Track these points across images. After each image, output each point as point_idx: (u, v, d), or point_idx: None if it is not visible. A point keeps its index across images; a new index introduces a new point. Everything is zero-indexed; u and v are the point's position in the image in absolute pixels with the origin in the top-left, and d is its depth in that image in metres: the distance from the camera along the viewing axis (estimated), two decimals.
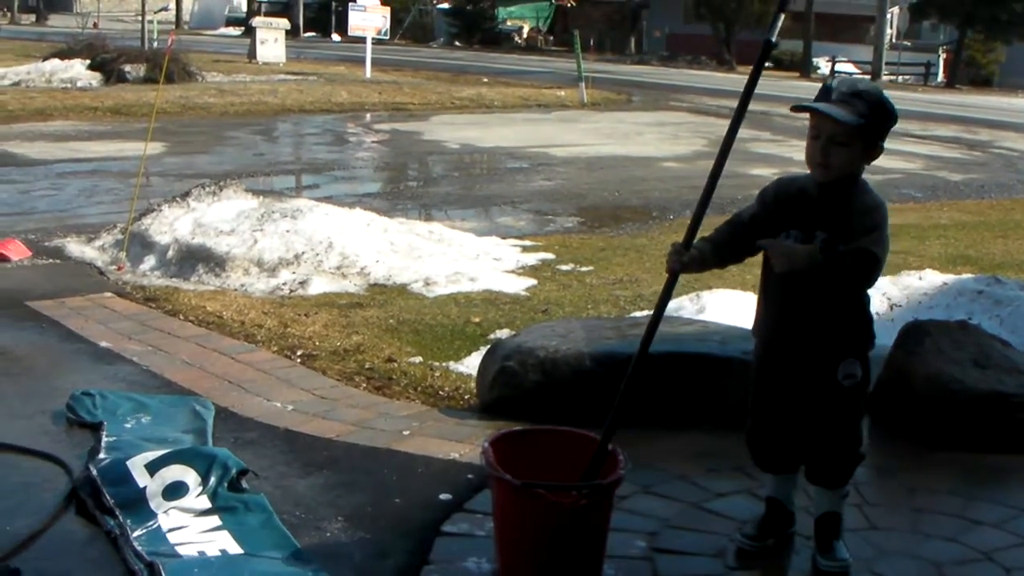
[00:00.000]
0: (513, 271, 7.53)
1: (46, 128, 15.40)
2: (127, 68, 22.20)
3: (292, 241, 7.29)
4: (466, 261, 7.61)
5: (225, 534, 3.38)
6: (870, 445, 3.43)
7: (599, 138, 17.19)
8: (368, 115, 19.85)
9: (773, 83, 29.70)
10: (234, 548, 3.30)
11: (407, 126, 18.14)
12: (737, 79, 35.59)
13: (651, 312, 3.23)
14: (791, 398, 3.22)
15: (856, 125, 2.99)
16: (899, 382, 4.36)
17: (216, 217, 7.69)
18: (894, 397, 4.31)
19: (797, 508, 3.42)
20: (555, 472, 3.13)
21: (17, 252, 7.23)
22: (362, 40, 28.04)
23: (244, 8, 55.87)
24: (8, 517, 3.42)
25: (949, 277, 6.37)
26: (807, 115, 3.09)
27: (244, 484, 3.66)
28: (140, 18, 29.36)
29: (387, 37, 33.18)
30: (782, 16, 3.14)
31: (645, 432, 4.03)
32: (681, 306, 5.84)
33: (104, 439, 4.02)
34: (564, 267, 7.72)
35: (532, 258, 7.99)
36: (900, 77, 44.53)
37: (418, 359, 5.36)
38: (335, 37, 49.08)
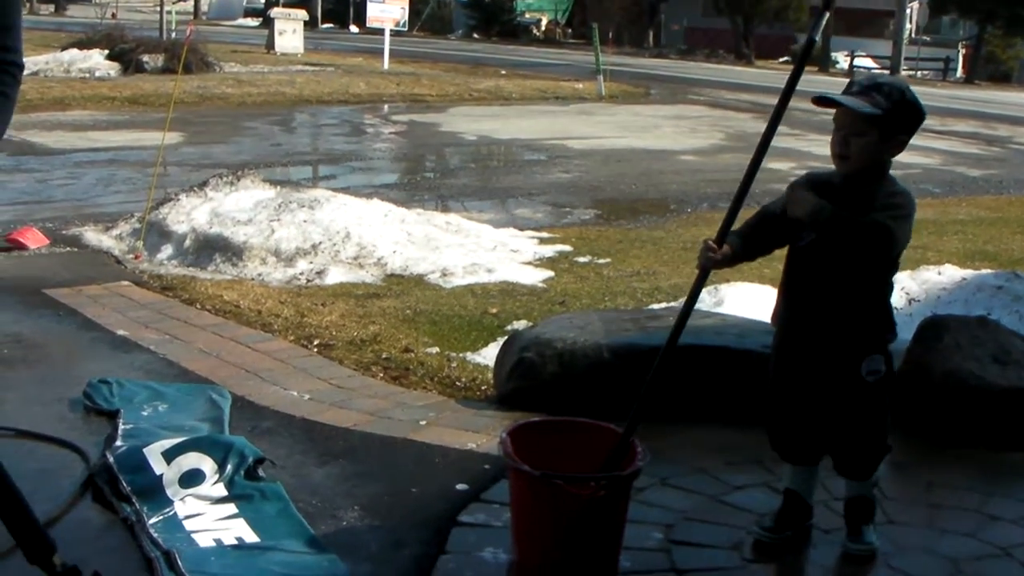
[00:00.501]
0: (530, 263, 7.52)
1: (64, 117, 15.43)
2: (145, 58, 22.23)
3: (309, 231, 7.30)
4: (483, 252, 7.61)
5: (241, 522, 3.39)
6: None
7: (617, 131, 17.13)
8: (386, 106, 19.83)
9: None
10: (250, 536, 3.31)
11: (425, 117, 18.13)
12: (755, 73, 35.56)
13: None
14: (811, 389, 3.21)
15: (871, 115, 3.01)
16: (917, 377, 4.34)
17: (233, 207, 7.71)
18: (912, 392, 4.29)
19: (815, 501, 3.41)
20: (573, 463, 3.13)
21: (35, 240, 7.26)
22: (380, 32, 28.05)
23: None
24: None
25: (968, 272, 6.33)
26: (828, 110, 3.12)
27: (260, 472, 3.67)
28: (159, 8, 29.39)
29: (405, 29, 33.19)
30: (827, 15, 3.17)
31: (662, 424, 4.01)
32: (699, 299, 5.81)
33: (121, 426, 4.04)
34: (581, 259, 7.71)
35: (549, 250, 7.97)
36: (919, 72, 44.27)
37: (435, 349, 5.35)
38: (353, 28, 49.04)
